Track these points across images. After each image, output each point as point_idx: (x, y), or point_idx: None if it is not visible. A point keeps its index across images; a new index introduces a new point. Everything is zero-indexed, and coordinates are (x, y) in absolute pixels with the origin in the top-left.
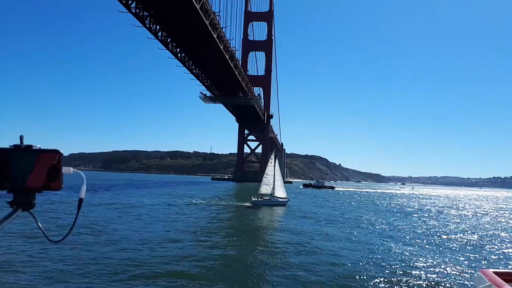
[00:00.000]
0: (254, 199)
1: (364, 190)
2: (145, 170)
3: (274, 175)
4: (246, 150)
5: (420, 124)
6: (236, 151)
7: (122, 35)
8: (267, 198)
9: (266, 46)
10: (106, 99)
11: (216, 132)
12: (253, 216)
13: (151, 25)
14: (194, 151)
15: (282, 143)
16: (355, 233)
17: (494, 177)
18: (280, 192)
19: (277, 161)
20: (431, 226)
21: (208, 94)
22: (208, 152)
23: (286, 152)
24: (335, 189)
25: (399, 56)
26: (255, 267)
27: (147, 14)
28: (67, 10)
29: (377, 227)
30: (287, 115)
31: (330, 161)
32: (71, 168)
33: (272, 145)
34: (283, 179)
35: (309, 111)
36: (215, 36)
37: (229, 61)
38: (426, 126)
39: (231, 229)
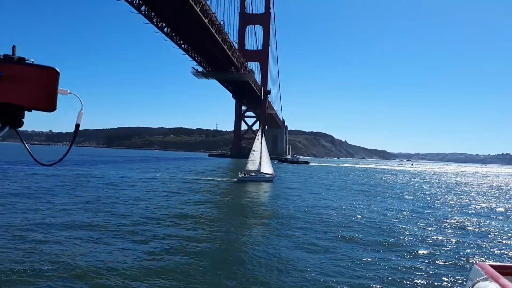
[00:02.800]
0: (240, 176)
1: (346, 165)
2: (148, 146)
3: (261, 152)
4: (245, 127)
5: (429, 100)
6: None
7: (117, 16)
8: (253, 174)
9: (264, 19)
10: (111, 75)
11: (221, 109)
12: (232, 192)
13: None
14: (197, 128)
15: (283, 120)
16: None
17: (502, 153)
18: (267, 168)
19: (263, 137)
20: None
21: (200, 69)
22: (212, 129)
23: (290, 129)
24: (310, 164)
25: (409, 29)
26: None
27: None
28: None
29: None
30: (292, 92)
31: (335, 137)
32: (68, 90)
33: (272, 122)
34: (285, 156)
35: (315, 87)
36: (197, 9)
37: (216, 35)
38: (435, 101)
39: (204, 206)
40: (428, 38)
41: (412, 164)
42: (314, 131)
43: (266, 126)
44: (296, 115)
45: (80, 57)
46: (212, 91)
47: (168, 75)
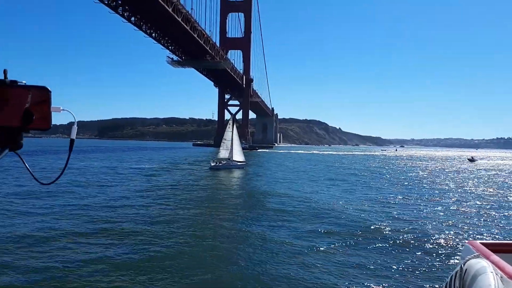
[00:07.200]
0: (212, 164)
1: (292, 151)
2: (140, 137)
3: (232, 140)
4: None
5: (424, 85)
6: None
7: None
8: (224, 162)
9: (245, 6)
10: (106, 67)
11: (215, 98)
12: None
13: None
14: (190, 118)
15: (272, 108)
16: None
17: (497, 137)
18: (238, 156)
19: (235, 126)
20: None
21: (175, 58)
22: (204, 119)
23: (284, 117)
24: (258, 150)
25: (402, 15)
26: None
27: None
28: None
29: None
30: (286, 81)
31: (329, 125)
32: (61, 107)
33: (259, 110)
34: (275, 144)
35: (310, 76)
36: None
37: (183, 23)
38: (431, 87)
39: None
40: (423, 22)
41: (396, 150)
42: (308, 119)
43: (256, 115)
44: (290, 104)
45: (74, 51)
46: (203, 80)
47: (158, 65)
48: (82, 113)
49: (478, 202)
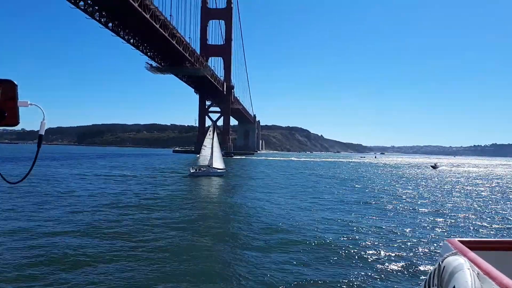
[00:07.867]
0: (192, 171)
1: (280, 159)
2: (120, 143)
3: (212, 147)
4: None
5: (405, 94)
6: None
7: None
8: (204, 169)
9: (226, 14)
10: (85, 72)
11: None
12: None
13: None
14: (171, 124)
15: (254, 115)
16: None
17: (474, 145)
18: (218, 163)
19: (215, 133)
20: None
21: (155, 64)
22: (186, 125)
23: (266, 124)
24: (234, 157)
25: (384, 28)
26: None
27: None
28: None
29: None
30: (268, 87)
31: (312, 132)
32: (28, 101)
33: (241, 117)
34: (257, 151)
35: (292, 83)
36: (135, 4)
37: (161, 30)
38: (411, 95)
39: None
40: (404, 32)
41: (375, 157)
42: (291, 126)
43: (237, 122)
44: (273, 111)
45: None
46: (185, 87)
47: (139, 70)
48: (61, 119)
49: (429, 207)
